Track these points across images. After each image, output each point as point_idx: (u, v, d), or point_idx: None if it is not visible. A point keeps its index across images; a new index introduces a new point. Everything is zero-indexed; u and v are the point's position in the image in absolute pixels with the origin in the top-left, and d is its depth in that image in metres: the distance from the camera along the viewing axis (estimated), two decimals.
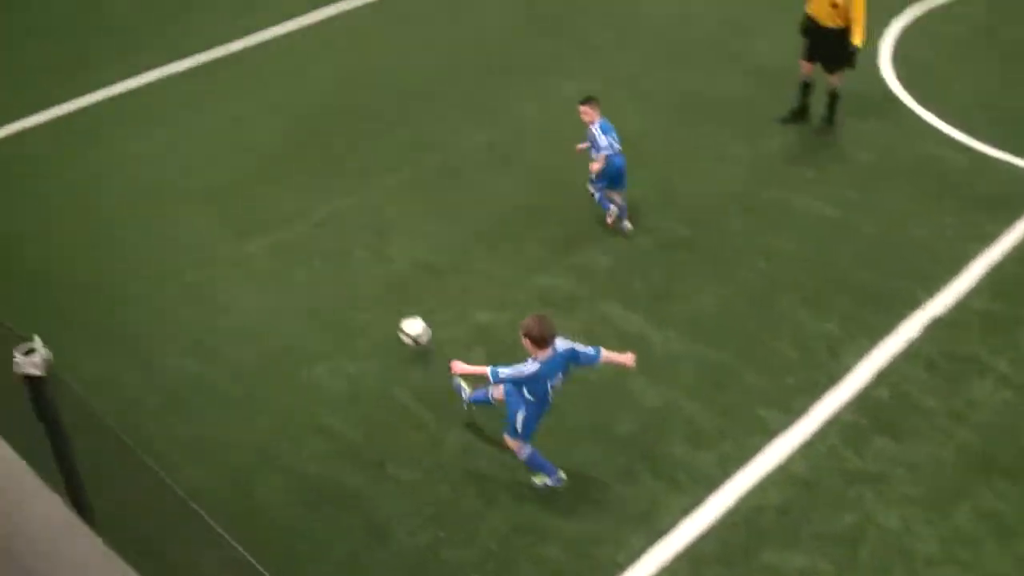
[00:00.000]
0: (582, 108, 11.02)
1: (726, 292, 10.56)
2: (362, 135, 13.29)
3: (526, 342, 7.71)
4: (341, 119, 13.68)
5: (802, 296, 10.45)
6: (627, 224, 11.31)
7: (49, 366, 4.67)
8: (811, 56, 12.67)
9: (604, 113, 11.14)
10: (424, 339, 9.72)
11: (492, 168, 12.56)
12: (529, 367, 7.75)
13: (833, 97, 12.88)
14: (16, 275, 11.10)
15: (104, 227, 11.87)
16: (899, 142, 12.83)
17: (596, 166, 10.93)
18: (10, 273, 11.12)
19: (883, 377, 9.54)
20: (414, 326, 9.76)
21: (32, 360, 4.58)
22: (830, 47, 12.41)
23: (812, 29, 12.53)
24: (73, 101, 14.36)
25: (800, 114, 13.13)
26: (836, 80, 12.73)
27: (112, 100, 14.45)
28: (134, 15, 16.76)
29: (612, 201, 11.25)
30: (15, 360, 4.56)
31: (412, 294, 10.65)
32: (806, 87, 12.93)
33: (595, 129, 10.96)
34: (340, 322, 10.35)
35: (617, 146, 10.98)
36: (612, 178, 11.14)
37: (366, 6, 16.74)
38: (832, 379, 9.52)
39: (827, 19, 12.28)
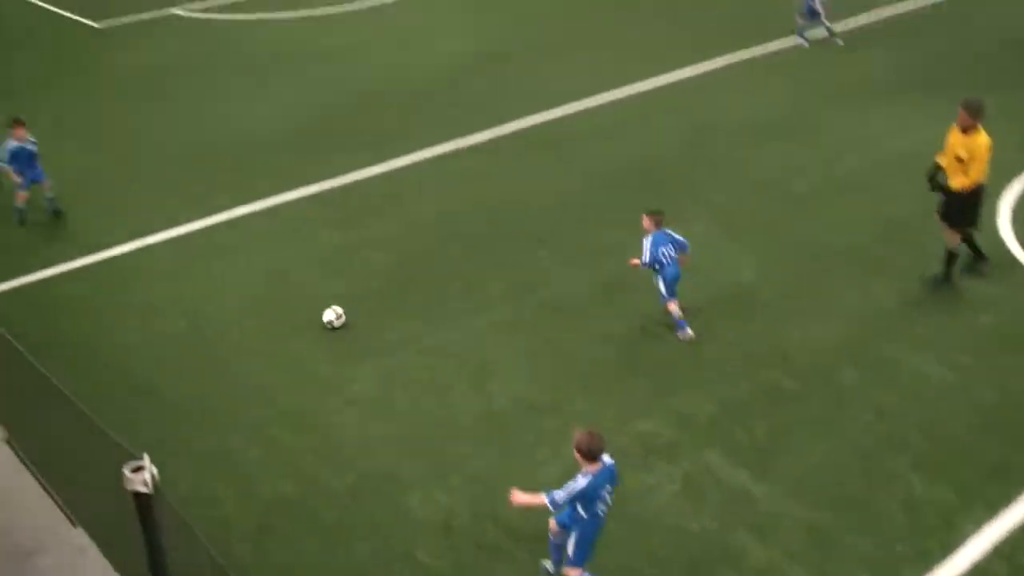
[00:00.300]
0: (643, 217, 11.79)
1: (834, 449, 10.21)
2: (470, 269, 13.47)
3: (577, 456, 7.75)
4: (450, 252, 13.91)
5: (914, 459, 10.03)
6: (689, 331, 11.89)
7: (155, 484, 4.71)
8: (943, 212, 12.49)
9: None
10: (338, 322, 12.30)
11: (596, 308, 12.55)
12: (580, 482, 7.73)
13: (951, 256, 12.62)
14: (121, 387, 11.38)
15: (211, 346, 12.15)
16: (1019, 305, 12.45)
17: (634, 261, 11.76)
18: (116, 385, 11.40)
19: (1000, 551, 9.02)
20: (331, 314, 12.34)
21: (140, 477, 4.63)
22: (952, 203, 12.23)
23: (939, 181, 12.34)
24: (195, 222, 15.00)
25: (978, 256, 12.91)
26: (956, 238, 12.50)
27: (231, 223, 15.01)
28: (258, 147, 17.59)
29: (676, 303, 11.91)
30: (124, 476, 4.61)
31: (510, 430, 10.56)
32: (969, 236, 12.73)
33: (646, 241, 11.72)
34: (437, 452, 10.28)
35: (673, 255, 11.72)
36: (672, 282, 11.82)
37: (480, 146, 17.22)
38: (945, 549, 9.03)
39: (952, 173, 12.14)
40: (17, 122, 15.12)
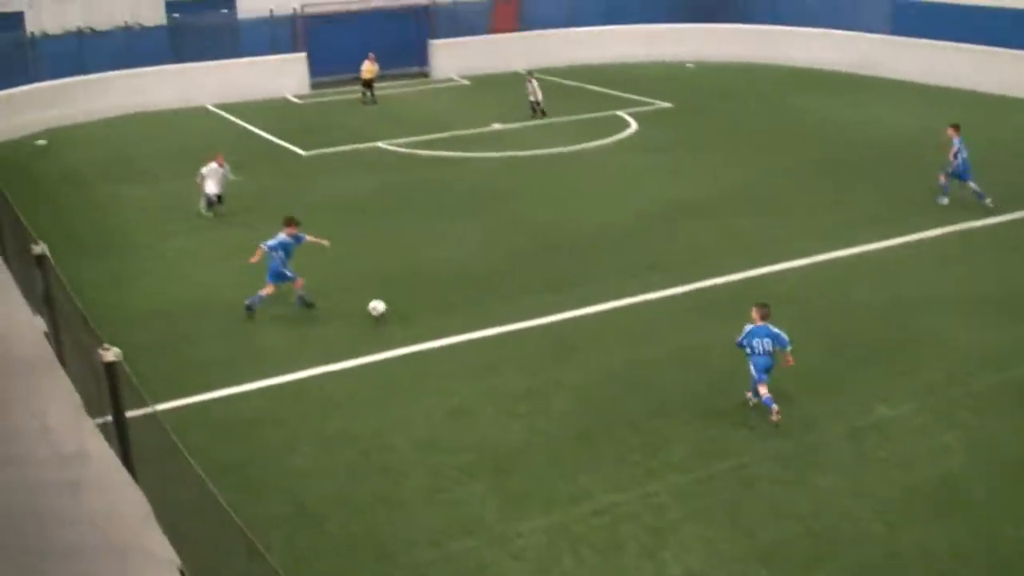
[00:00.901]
0: (752, 309, 13.58)
1: None
2: (654, 426, 13.15)
3: None
4: (634, 406, 13.66)
5: None
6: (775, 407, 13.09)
7: None
8: None
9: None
10: (381, 311, 16.16)
11: (788, 485, 11.94)
12: None
13: None
14: (290, 514, 11.52)
15: (383, 479, 12.19)
16: None
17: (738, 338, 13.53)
18: (284, 512, 11.55)
19: None
20: (377, 306, 16.17)
21: None
22: None
23: None
24: (380, 353, 15.40)
25: None
26: None
27: (416, 355, 15.30)
28: (447, 281, 18.06)
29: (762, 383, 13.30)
30: None
31: None
32: None
33: (747, 327, 13.36)
34: None
35: (769, 347, 13.22)
36: (760, 370, 13.27)
37: (672, 298, 17.10)
38: None
39: None
40: (292, 221, 17.06)
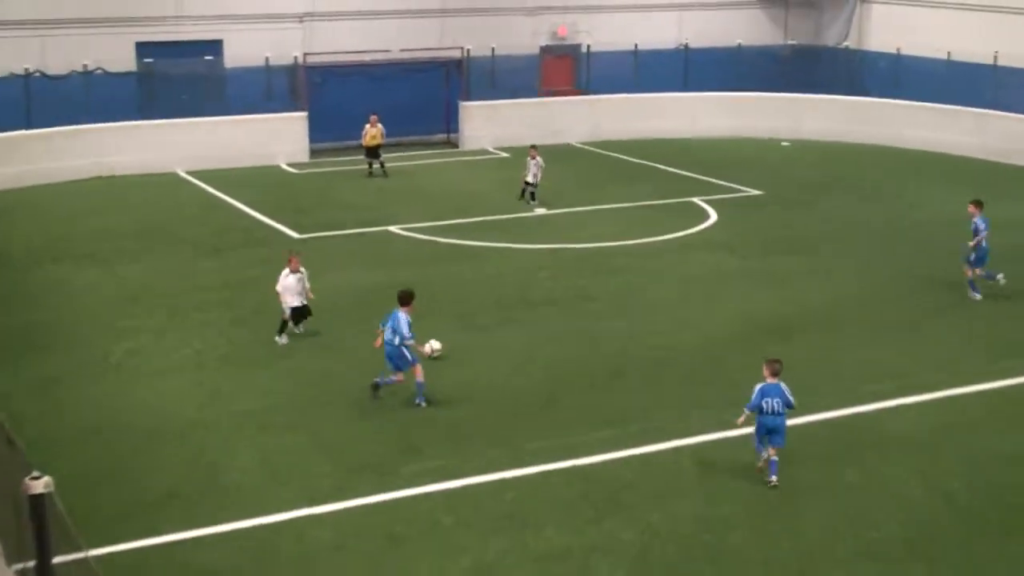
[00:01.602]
0: (763, 365, 15.48)
1: None
2: None
3: None
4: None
5: None
6: (774, 478, 15.32)
7: None
8: None
9: None
10: (439, 350, 19.56)
11: None
12: None
13: None
14: None
15: None
16: None
17: (739, 420, 15.55)
18: None
19: None
20: (434, 344, 19.49)
21: None
22: None
23: None
24: (379, 494, 15.27)
25: None
26: None
27: (423, 499, 15.19)
28: (471, 407, 18.01)
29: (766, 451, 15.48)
30: None
31: None
32: None
33: (756, 387, 15.26)
34: None
35: (779, 407, 15.15)
36: (769, 430, 15.28)
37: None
38: None
39: None
40: (409, 297, 18.09)
